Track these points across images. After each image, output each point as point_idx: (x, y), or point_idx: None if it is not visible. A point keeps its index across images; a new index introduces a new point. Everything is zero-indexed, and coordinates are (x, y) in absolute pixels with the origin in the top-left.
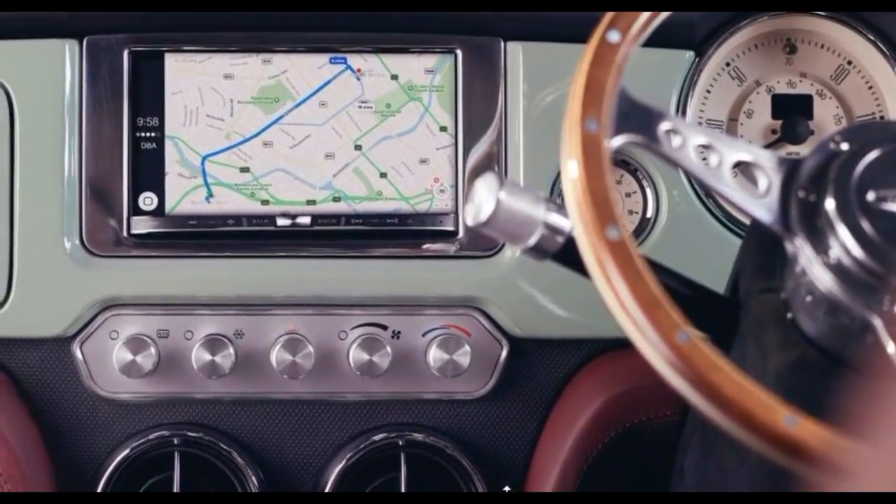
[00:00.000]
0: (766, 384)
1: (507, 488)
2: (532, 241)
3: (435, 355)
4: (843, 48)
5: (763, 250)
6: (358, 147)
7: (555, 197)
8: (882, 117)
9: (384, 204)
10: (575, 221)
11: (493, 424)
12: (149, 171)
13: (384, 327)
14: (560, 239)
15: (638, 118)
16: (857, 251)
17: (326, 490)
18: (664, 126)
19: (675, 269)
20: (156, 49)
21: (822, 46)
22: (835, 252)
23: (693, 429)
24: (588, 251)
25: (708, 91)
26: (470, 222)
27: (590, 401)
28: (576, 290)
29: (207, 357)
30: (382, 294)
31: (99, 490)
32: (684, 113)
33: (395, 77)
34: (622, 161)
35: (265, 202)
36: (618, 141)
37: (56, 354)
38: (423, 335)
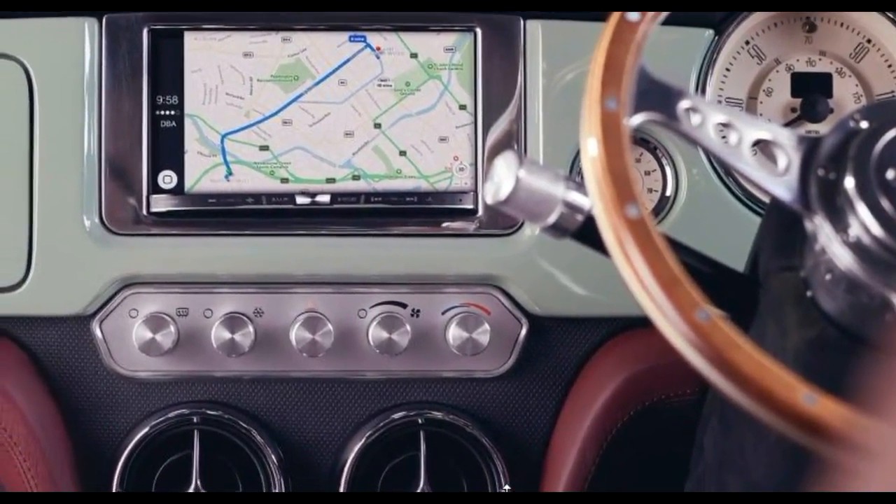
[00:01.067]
0: (785, 362)
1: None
2: (551, 219)
3: (454, 333)
4: (863, 26)
5: (782, 228)
6: (377, 125)
7: (574, 175)
8: None
9: (404, 182)
10: (594, 199)
11: (512, 402)
12: (168, 150)
13: (403, 305)
14: (579, 217)
15: (657, 96)
16: (877, 229)
17: (346, 468)
18: (684, 104)
19: (695, 248)
20: (175, 27)
21: (842, 25)
22: (854, 230)
23: (712, 407)
24: (607, 229)
25: (727, 69)
26: (489, 200)
27: (609, 379)
28: (595, 269)
29: (227, 335)
30: (402, 272)
31: (118, 468)
32: (704, 91)
33: (414, 55)
34: (641, 139)
35: (285, 180)
36: (637, 119)
37: (75, 333)
38: (443, 313)
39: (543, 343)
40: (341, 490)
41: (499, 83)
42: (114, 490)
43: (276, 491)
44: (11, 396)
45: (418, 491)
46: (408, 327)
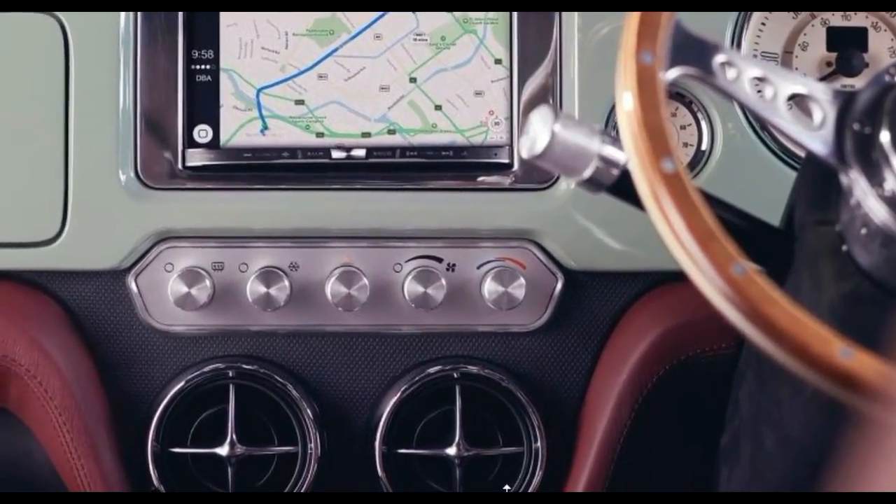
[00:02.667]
0: (820, 316)
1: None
2: (587, 173)
3: (490, 288)
4: None
5: (818, 183)
6: (413, 80)
7: (610, 129)
8: None
9: (439, 136)
10: (630, 154)
11: (547, 357)
12: (203, 104)
13: (439, 260)
14: (615, 171)
15: (693, 50)
16: None
17: (381, 423)
18: (719, 58)
19: (730, 202)
20: None
21: None
22: (890, 184)
23: (748, 361)
24: (643, 183)
25: (763, 24)
26: (525, 155)
27: (644, 333)
28: (631, 223)
29: (262, 289)
30: (437, 227)
31: (154, 422)
32: (739, 45)
33: (449, 9)
34: (677, 93)
35: (320, 134)
36: (673, 73)
37: (111, 287)
38: (478, 268)
39: (579, 297)
40: (377, 445)
41: (534, 37)
42: (149, 445)
43: (312, 446)
44: (47, 351)
45: (454, 444)
46: (443, 281)
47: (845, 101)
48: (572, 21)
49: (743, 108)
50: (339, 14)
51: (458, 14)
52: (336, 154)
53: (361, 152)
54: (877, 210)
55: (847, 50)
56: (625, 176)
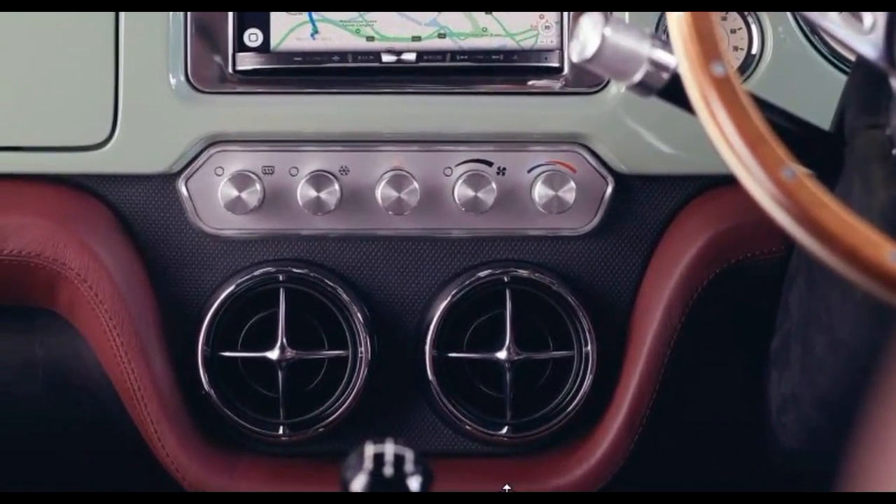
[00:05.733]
0: (871, 220)
1: (507, 487)
2: (637, 77)
3: (540, 191)
4: None
5: (868, 86)
6: None
7: (660, 33)
8: None
9: (489, 40)
10: (680, 57)
11: (597, 261)
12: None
13: (489, 163)
14: (665, 75)
15: None
16: None
17: (431, 327)
18: None
19: (780, 106)
20: None
21: None
22: None
23: (798, 265)
24: (693, 87)
25: None
26: (575, 58)
27: (695, 237)
28: (681, 127)
29: (313, 193)
30: (487, 130)
31: (204, 326)
32: None
33: None
34: None
35: (370, 38)
36: None
37: (161, 191)
38: (528, 171)
39: (629, 201)
40: (427, 349)
41: None
42: (199, 348)
43: (362, 350)
44: (97, 255)
45: (504, 348)
46: (493, 185)
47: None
48: None
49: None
50: None
51: None
52: (386, 58)
53: (412, 56)
54: None
55: None
56: (675, 80)
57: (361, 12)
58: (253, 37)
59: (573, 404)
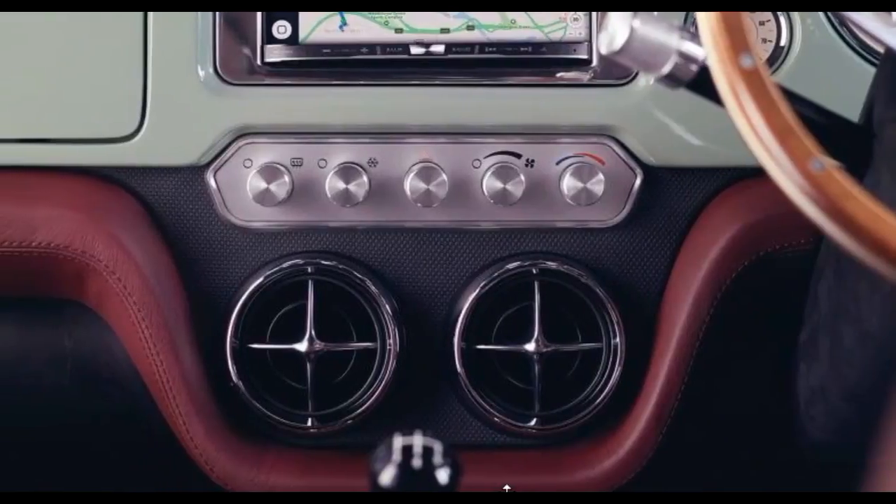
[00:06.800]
0: None
1: (507, 487)
2: (666, 69)
3: (569, 183)
4: None
5: None
6: None
7: (688, 26)
8: None
9: (518, 32)
10: (709, 50)
11: (626, 253)
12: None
13: (518, 155)
14: (694, 67)
15: None
16: None
17: (459, 319)
18: None
19: (809, 98)
20: None
21: None
22: None
23: (826, 257)
24: (722, 79)
25: None
26: (604, 51)
27: (723, 229)
28: (710, 119)
29: (341, 185)
30: (516, 122)
31: (233, 318)
32: None
33: None
34: None
35: (399, 30)
36: None
37: (190, 183)
38: (557, 163)
39: (657, 193)
40: (455, 341)
41: None
42: (228, 341)
43: (391, 342)
44: (126, 247)
45: (533, 340)
46: (522, 177)
47: None
48: None
49: None
50: None
51: None
52: (415, 50)
53: (440, 48)
54: None
55: None
56: (703, 72)
57: None
58: (282, 29)
59: (601, 396)
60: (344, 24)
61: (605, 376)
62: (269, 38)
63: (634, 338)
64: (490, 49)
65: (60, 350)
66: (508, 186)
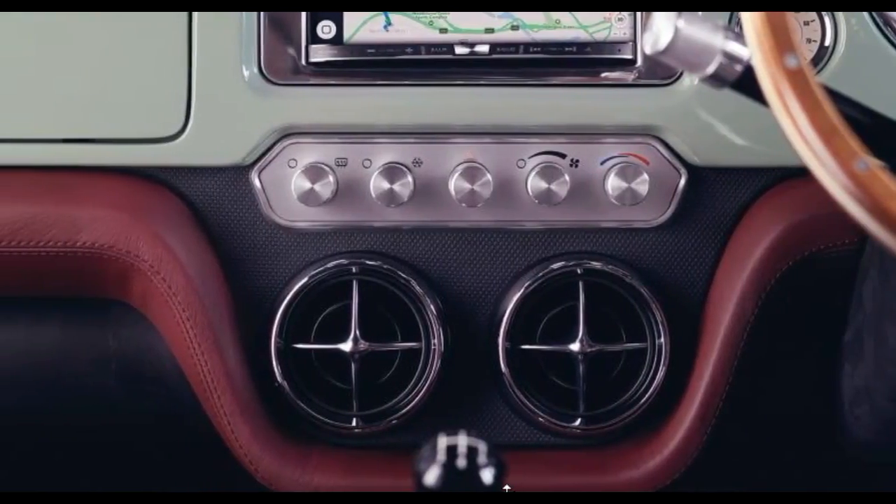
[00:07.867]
0: None
1: (507, 487)
2: (710, 69)
3: (613, 184)
4: None
5: None
6: None
7: (733, 26)
8: None
9: (563, 32)
10: (753, 50)
11: (671, 253)
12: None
13: (562, 156)
14: (738, 67)
15: None
16: None
17: (504, 319)
18: None
19: (853, 98)
20: None
21: None
22: None
23: (871, 257)
24: (766, 79)
25: None
26: (648, 50)
27: (768, 229)
28: (754, 119)
29: (386, 185)
30: (560, 122)
31: (277, 318)
32: None
33: None
34: None
35: (443, 30)
36: None
37: (234, 183)
38: (602, 163)
39: (702, 193)
40: (500, 341)
41: None
42: (273, 340)
43: (435, 342)
44: (170, 247)
45: (577, 340)
46: (566, 177)
47: None
48: None
49: None
50: None
51: None
52: (459, 50)
53: (485, 48)
54: None
55: None
56: (748, 72)
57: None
58: (326, 29)
59: (646, 396)
60: (388, 24)
61: (650, 376)
62: (313, 38)
63: (679, 338)
64: (535, 49)
65: (105, 350)
66: (553, 186)
